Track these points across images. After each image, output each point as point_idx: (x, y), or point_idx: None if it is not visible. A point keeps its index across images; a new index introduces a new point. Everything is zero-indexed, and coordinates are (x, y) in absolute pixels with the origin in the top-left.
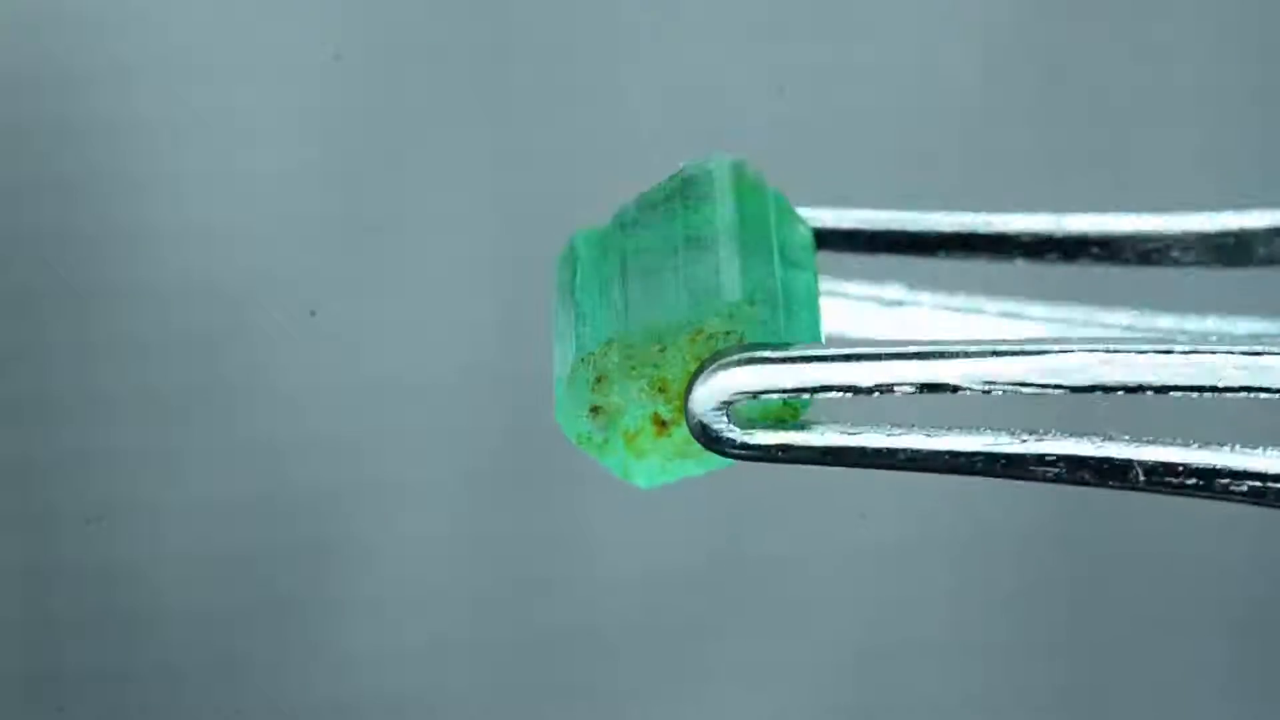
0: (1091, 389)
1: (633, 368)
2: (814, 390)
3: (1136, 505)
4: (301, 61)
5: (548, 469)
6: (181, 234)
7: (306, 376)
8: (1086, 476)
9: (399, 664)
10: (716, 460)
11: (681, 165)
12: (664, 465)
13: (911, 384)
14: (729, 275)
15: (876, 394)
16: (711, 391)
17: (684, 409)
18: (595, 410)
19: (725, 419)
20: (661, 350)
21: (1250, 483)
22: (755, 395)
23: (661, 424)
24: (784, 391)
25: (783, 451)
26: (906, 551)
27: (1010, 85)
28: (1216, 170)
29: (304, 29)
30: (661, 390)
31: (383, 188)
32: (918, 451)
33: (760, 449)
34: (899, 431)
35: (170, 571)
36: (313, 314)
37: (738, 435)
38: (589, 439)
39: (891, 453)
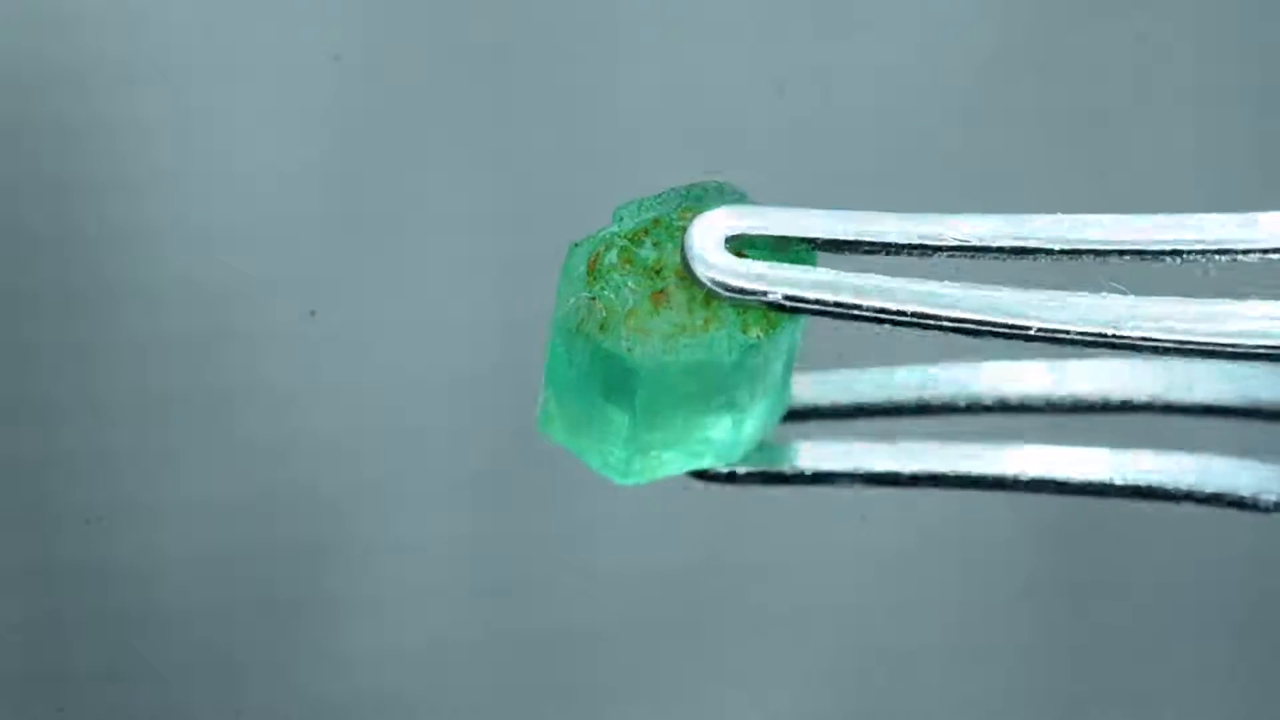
0: (1078, 253)
1: (627, 260)
2: (805, 240)
3: (1139, 507)
4: (301, 61)
5: (547, 469)
6: (181, 234)
7: (306, 376)
8: (1086, 336)
9: (398, 664)
10: (720, 336)
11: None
12: (665, 345)
13: (899, 242)
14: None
15: (864, 251)
16: (710, 220)
17: (680, 248)
18: (592, 300)
19: (722, 248)
20: (656, 244)
21: (1254, 326)
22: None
23: (660, 294)
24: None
25: (778, 290)
26: (907, 555)
27: (1010, 85)
28: (1217, 170)
29: (304, 29)
30: (657, 273)
31: (383, 188)
32: (917, 293)
33: (755, 278)
34: (898, 278)
35: (170, 571)
36: (313, 314)
37: (735, 262)
38: (588, 315)
39: (891, 293)
